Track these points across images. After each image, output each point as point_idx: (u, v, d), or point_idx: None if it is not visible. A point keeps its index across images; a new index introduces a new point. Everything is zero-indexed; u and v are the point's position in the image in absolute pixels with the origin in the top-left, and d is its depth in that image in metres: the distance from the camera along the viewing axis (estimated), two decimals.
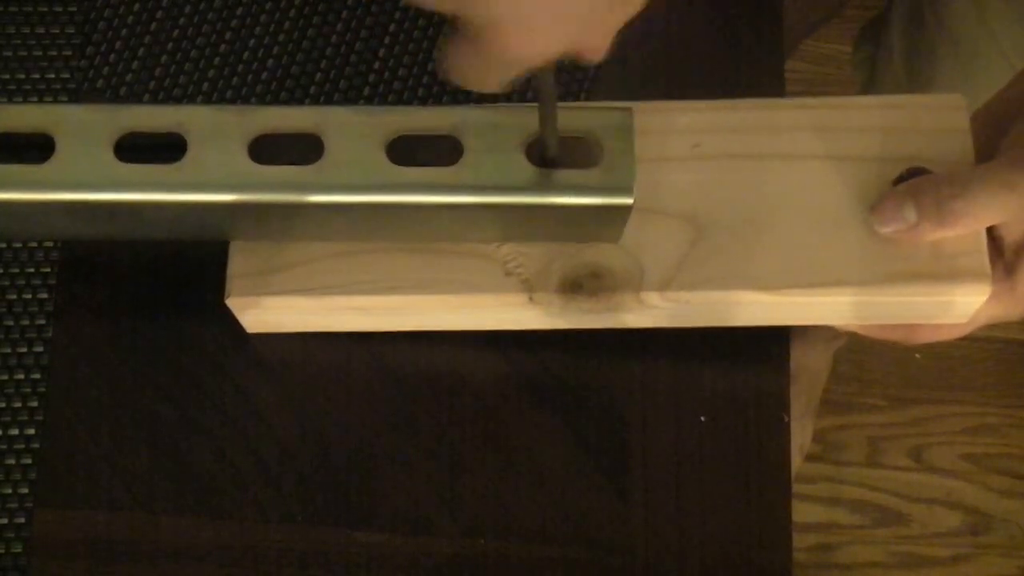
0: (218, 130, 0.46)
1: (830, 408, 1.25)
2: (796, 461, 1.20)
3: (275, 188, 0.46)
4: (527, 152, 0.46)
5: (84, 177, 0.46)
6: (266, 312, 0.51)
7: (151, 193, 0.46)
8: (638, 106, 0.48)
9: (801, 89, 1.32)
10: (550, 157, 0.46)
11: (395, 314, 0.52)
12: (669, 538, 0.53)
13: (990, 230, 0.50)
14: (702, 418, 0.54)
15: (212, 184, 0.46)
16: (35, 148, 0.46)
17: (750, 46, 0.60)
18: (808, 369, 1.18)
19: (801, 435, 1.20)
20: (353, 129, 0.46)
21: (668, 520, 0.53)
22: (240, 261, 0.51)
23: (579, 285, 0.50)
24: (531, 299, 0.50)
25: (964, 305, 0.50)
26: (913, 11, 0.83)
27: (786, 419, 0.54)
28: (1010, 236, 0.49)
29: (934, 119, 0.51)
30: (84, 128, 0.46)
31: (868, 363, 1.26)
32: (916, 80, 0.84)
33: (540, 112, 0.44)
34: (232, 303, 0.51)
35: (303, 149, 0.47)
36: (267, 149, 0.46)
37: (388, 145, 0.46)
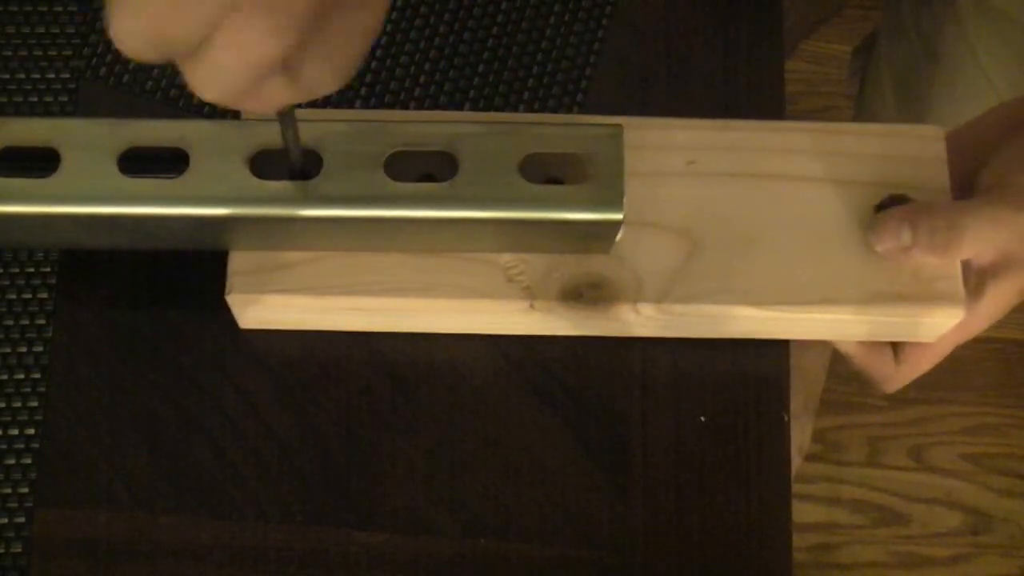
0: (220, 144, 0.47)
1: (830, 408, 1.25)
2: (796, 461, 1.20)
3: (275, 202, 0.46)
4: (521, 168, 0.47)
5: (88, 190, 0.46)
6: (266, 310, 0.52)
7: (155, 206, 0.46)
8: (636, 121, 0.49)
9: (801, 89, 1.32)
10: (301, 170, 0.46)
11: (396, 315, 0.52)
12: (669, 538, 0.53)
13: None
14: (702, 418, 0.54)
15: (214, 198, 0.46)
16: (40, 161, 0.46)
17: (750, 46, 0.60)
18: (805, 368, 1.18)
19: (800, 435, 1.20)
20: (352, 144, 0.47)
21: (668, 520, 0.53)
22: (240, 258, 0.51)
23: (579, 294, 0.51)
24: (532, 306, 0.51)
25: (937, 327, 0.52)
26: (898, 26, 0.83)
27: (786, 418, 0.54)
28: (980, 260, 0.51)
29: (914, 148, 0.53)
30: (88, 142, 0.46)
31: None
32: (901, 95, 0.85)
33: (280, 126, 0.44)
34: (232, 300, 0.51)
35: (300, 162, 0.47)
36: (267, 163, 0.47)
37: (386, 160, 0.47)
